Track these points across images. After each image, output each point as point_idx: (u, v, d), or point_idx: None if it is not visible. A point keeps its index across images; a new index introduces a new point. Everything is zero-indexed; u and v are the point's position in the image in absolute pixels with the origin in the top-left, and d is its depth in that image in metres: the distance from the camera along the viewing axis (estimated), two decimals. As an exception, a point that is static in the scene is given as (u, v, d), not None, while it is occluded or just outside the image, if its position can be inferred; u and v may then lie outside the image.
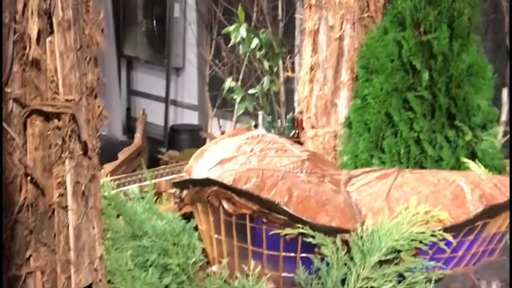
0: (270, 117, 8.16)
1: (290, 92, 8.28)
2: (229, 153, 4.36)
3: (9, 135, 3.30)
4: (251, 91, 8.06)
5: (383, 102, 4.84)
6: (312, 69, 5.58)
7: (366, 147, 4.91)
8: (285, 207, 3.67)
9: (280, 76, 8.16)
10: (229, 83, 8.09)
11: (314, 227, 3.63)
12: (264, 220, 3.74)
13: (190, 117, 11.74)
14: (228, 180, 3.86)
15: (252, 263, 3.66)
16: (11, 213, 3.38)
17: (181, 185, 4.15)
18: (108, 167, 7.99)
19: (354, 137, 5.05)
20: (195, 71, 11.29)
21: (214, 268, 4.00)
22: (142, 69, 13.04)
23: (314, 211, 3.72)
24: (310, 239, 3.64)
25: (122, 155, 8.66)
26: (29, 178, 3.43)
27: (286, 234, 3.70)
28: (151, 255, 4.03)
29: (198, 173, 4.29)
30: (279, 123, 8.12)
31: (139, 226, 4.21)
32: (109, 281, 3.96)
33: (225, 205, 3.84)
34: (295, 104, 6.59)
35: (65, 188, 3.59)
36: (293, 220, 3.65)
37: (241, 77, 8.82)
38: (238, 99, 8.00)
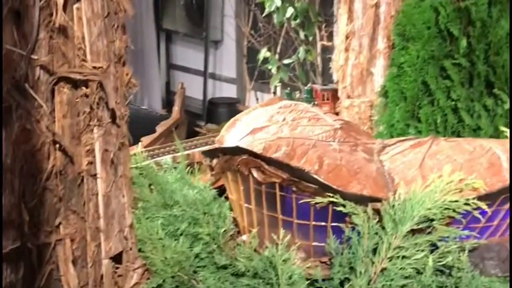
0: (289, 88, 8.12)
1: (327, 62, 8.17)
2: (261, 123, 4.31)
3: (36, 102, 3.30)
4: (286, 61, 7.97)
5: (419, 71, 4.73)
6: (347, 37, 5.50)
7: (402, 117, 4.82)
8: (315, 176, 3.60)
9: (316, 46, 8.05)
10: (263, 53, 8.02)
11: (345, 196, 3.55)
12: (294, 189, 3.68)
13: (229, 91, 11.69)
14: (257, 149, 3.80)
15: (282, 232, 3.58)
16: (39, 180, 3.39)
17: (211, 154, 4.11)
18: (146, 139, 8.05)
19: (390, 106, 4.96)
20: (233, 43, 11.22)
21: (244, 237, 3.97)
22: (181, 43, 13.01)
23: (345, 179, 3.65)
24: (340, 208, 3.56)
25: (160, 128, 8.71)
26: (57, 146, 3.45)
27: (316, 203, 3.63)
28: (182, 225, 4.02)
29: (230, 142, 4.26)
30: (297, 95, 8.07)
31: (171, 195, 4.20)
32: (140, 250, 3.96)
33: (255, 174, 3.79)
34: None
35: (94, 156, 3.60)
36: (323, 189, 3.58)
37: (278, 49, 8.74)
38: (273, 70, 7.92)
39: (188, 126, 9.94)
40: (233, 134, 4.40)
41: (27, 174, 3.34)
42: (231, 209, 4.17)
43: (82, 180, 3.62)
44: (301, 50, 7.79)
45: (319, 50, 8.03)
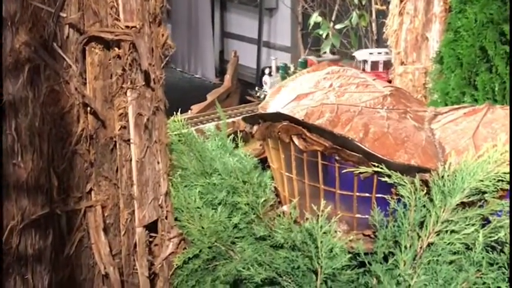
0: (284, 63, 7.90)
1: (380, 27, 7.87)
2: (307, 89, 4.10)
3: (65, 62, 3.17)
4: (338, 26, 7.69)
5: (477, 35, 4.45)
6: (401, 1, 5.23)
7: (457, 84, 4.56)
8: (359, 144, 3.40)
9: (370, 10, 7.75)
10: (314, 17, 7.76)
11: (391, 166, 3.34)
12: (337, 157, 3.48)
13: (283, 59, 11.46)
14: (299, 115, 3.61)
15: (323, 202, 3.39)
16: (68, 144, 3.27)
17: (252, 120, 3.93)
18: (196, 107, 7.91)
19: (445, 73, 4.71)
20: (288, 11, 10.98)
21: (284, 208, 3.80)
22: (236, 11, 12.83)
23: (392, 148, 3.43)
24: (386, 179, 3.34)
25: (210, 97, 8.58)
26: (87, 109, 3.32)
27: (360, 173, 3.43)
28: (220, 193, 3.87)
29: (273, 108, 4.07)
30: (292, 68, 7.83)
31: (210, 163, 4.05)
32: (176, 219, 3.83)
33: (296, 141, 3.60)
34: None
35: (127, 120, 3.45)
36: (368, 158, 3.38)
37: (334, 16, 8.47)
38: (324, 35, 7.66)
39: (241, 94, 9.80)
40: (277, 100, 4.21)
41: (56, 138, 3.23)
42: (273, 179, 3.99)
43: (115, 145, 3.49)
44: (354, 15, 7.50)
45: (373, 14, 7.73)
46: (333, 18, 8.21)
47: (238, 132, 4.58)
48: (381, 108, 3.79)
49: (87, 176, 3.41)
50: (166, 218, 3.71)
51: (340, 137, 3.48)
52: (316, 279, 3.34)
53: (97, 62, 3.31)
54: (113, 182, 3.47)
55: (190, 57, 12.79)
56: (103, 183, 3.46)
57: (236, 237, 3.77)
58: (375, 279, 3.34)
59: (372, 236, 3.52)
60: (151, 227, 3.68)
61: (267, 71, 8.05)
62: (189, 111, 7.64)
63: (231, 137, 4.50)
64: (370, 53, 6.98)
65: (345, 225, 3.64)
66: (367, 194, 3.54)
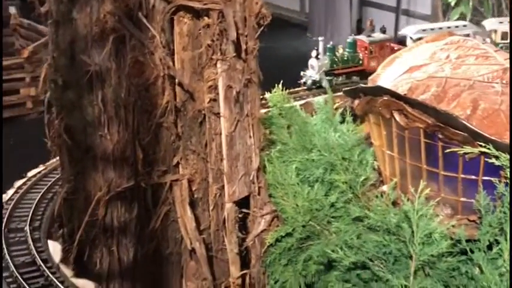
0: (331, 43, 7.30)
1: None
2: (421, 60, 3.82)
3: (150, 33, 3.10)
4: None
5: None
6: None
7: None
8: (464, 122, 3.10)
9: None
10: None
11: (499, 146, 3.02)
12: (440, 136, 3.20)
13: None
14: (402, 89, 3.36)
15: (423, 184, 3.14)
16: (153, 116, 3.21)
17: (352, 93, 3.71)
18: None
19: None
20: (429, -22, 10.47)
21: (384, 188, 3.56)
22: (374, -22, 12.42)
23: (502, 127, 3.11)
24: (493, 160, 3.03)
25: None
26: (174, 80, 3.24)
27: (465, 153, 3.13)
28: (317, 170, 3.68)
29: (384, 81, 3.83)
30: (340, 50, 7.28)
31: (310, 138, 3.87)
32: (270, 195, 3.69)
33: (397, 117, 3.35)
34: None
35: (217, 93, 3.35)
36: (474, 137, 3.08)
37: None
38: (453, 3, 7.16)
39: (374, 65, 9.49)
40: (389, 72, 3.96)
41: (141, 110, 3.18)
42: (375, 156, 3.76)
43: (204, 118, 3.40)
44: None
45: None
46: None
47: (347, 107, 4.36)
48: (498, 82, 3.45)
49: (174, 150, 3.34)
50: (258, 194, 3.59)
51: (444, 114, 3.19)
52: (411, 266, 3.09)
53: (186, 32, 3.22)
54: (201, 156, 3.39)
55: (327, 27, 12.53)
56: (191, 157, 3.38)
57: (332, 217, 3.58)
58: (477, 268, 3.05)
59: (478, 222, 3.21)
60: (243, 203, 3.57)
61: (313, 53, 7.32)
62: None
63: (339, 111, 4.29)
64: (500, 22, 6.48)
65: (448, 209, 3.35)
66: (473, 176, 3.24)
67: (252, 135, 3.49)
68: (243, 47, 3.31)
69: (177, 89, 3.26)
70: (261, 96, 3.73)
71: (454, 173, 3.29)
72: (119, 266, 3.37)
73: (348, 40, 7.36)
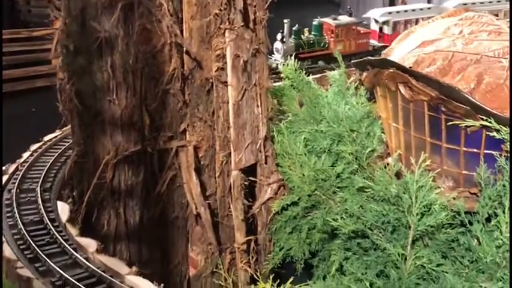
0: (297, 25, 7.16)
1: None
2: (434, 35, 3.83)
3: (158, 0, 3.17)
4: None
5: None
6: None
7: None
8: (467, 95, 3.12)
9: None
10: None
11: (500, 120, 3.04)
12: (444, 109, 3.23)
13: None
14: (408, 62, 3.39)
15: (424, 156, 3.17)
16: (160, 83, 3.30)
17: (360, 65, 3.74)
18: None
19: None
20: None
21: (389, 159, 3.60)
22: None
23: (505, 102, 3.13)
24: (494, 133, 3.05)
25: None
26: (180, 48, 3.31)
27: (467, 126, 3.15)
28: (325, 141, 3.73)
29: (397, 55, 3.85)
30: (307, 33, 7.17)
31: (320, 110, 3.92)
32: (278, 165, 3.76)
33: (402, 90, 3.39)
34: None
35: (225, 62, 3.42)
36: (475, 110, 3.10)
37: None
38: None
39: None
40: (402, 46, 3.98)
41: (149, 76, 3.27)
42: (383, 129, 3.79)
43: (211, 86, 3.47)
44: None
45: None
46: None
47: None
48: (508, 58, 3.45)
49: (181, 116, 3.42)
50: (265, 163, 3.66)
51: (447, 87, 3.22)
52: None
53: (194, 0, 3.28)
54: (208, 124, 3.47)
55: (359, 2, 12.47)
56: (198, 124, 3.46)
57: (338, 187, 3.64)
58: (475, 240, 3.08)
59: (478, 195, 3.24)
60: (251, 171, 3.64)
61: (279, 36, 7.04)
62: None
63: (353, 84, 4.31)
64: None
65: (450, 182, 3.39)
66: (475, 150, 3.26)
67: (259, 104, 3.55)
68: (251, 16, 3.37)
69: (185, 57, 3.33)
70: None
71: (456, 146, 3.33)
72: (125, 228, 3.48)
73: (314, 23, 7.30)
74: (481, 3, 6.64)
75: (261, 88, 3.54)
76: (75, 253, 3.06)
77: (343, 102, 4.03)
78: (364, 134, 3.71)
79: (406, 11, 7.16)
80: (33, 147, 4.48)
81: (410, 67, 3.40)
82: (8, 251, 3.09)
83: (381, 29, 7.34)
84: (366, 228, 3.25)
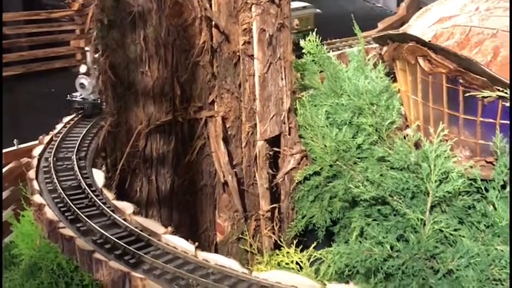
0: None
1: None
2: (451, 12, 3.95)
3: (203, -23, 3.30)
4: None
5: None
6: None
7: None
8: (484, 67, 3.24)
9: None
10: None
11: (516, 91, 3.16)
12: (461, 81, 3.36)
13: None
14: (427, 36, 3.51)
15: (442, 126, 3.31)
16: (191, 55, 3.45)
17: (381, 39, 3.87)
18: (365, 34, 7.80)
19: None
20: None
21: (408, 131, 3.74)
22: None
23: (520, 74, 3.24)
24: (509, 104, 3.18)
25: (381, 24, 8.44)
26: (210, 22, 3.45)
27: (484, 97, 3.28)
28: (346, 114, 3.88)
29: (415, 31, 3.98)
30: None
31: (341, 84, 4.06)
32: (300, 136, 3.91)
33: (421, 63, 3.51)
34: None
35: (251, 36, 3.56)
36: (492, 82, 3.22)
37: None
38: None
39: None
40: (420, 23, 4.10)
41: (180, 49, 3.41)
42: (402, 102, 3.93)
43: (238, 59, 3.62)
44: None
45: None
46: None
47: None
48: (523, 33, 3.56)
49: (210, 88, 3.58)
50: (289, 134, 3.81)
51: (465, 59, 3.34)
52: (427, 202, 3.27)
53: (223, -24, 3.43)
54: (235, 95, 3.62)
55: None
56: (225, 96, 3.61)
57: (358, 158, 3.78)
58: (491, 206, 3.23)
59: (494, 163, 3.38)
60: (275, 142, 3.80)
61: (82, 68, 5.05)
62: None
63: (372, 60, 4.45)
64: None
65: (467, 151, 3.52)
66: (491, 120, 3.39)
67: (283, 77, 3.70)
68: (277, -8, 3.50)
69: (214, 30, 3.47)
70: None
71: (473, 117, 3.45)
72: (157, 194, 3.64)
73: None
74: None
75: (285, 61, 3.68)
76: (113, 214, 3.22)
77: (362, 77, 4.16)
78: (384, 106, 3.85)
79: None
80: (66, 119, 4.63)
81: (429, 41, 3.54)
82: (49, 213, 3.26)
83: None
84: (386, 195, 3.39)
